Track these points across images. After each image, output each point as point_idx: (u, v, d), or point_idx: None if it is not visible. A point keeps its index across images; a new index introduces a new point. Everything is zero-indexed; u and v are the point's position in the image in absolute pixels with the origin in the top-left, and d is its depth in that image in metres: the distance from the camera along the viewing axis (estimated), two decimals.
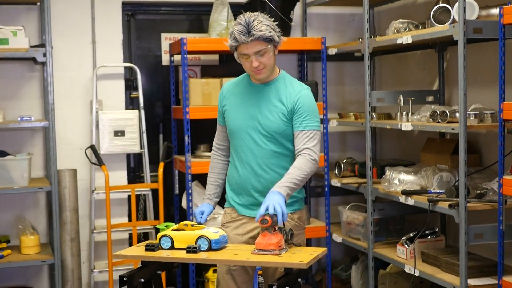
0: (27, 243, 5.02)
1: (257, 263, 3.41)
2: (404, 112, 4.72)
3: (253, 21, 3.40)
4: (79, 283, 5.31)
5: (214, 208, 3.78)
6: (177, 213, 5.61)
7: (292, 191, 3.38)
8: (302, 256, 3.32)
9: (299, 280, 3.39)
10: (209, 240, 3.43)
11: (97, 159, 5.17)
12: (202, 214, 3.68)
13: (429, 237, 4.73)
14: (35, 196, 5.41)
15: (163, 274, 5.15)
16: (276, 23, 3.53)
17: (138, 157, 5.69)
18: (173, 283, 5.71)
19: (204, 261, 3.45)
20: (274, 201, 3.26)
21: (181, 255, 3.43)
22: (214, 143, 3.83)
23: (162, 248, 3.51)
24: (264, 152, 3.58)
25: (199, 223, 3.64)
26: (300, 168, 3.42)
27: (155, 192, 5.42)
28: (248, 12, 3.49)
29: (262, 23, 3.41)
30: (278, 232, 3.31)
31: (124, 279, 3.40)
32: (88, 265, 5.49)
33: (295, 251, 3.46)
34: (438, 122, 4.27)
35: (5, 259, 4.91)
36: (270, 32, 3.41)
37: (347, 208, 5.42)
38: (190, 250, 3.42)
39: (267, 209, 3.25)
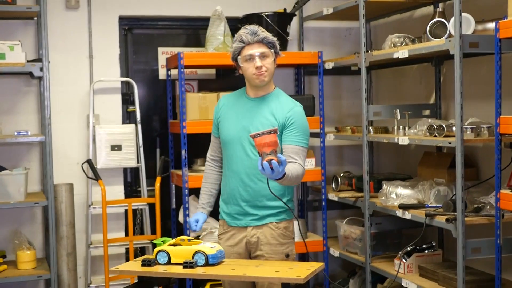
0: (23, 258, 5.00)
1: (254, 279, 3.40)
2: (401, 126, 4.72)
3: (258, 27, 3.67)
4: None
5: (207, 217, 3.90)
6: (174, 227, 5.59)
7: (288, 178, 3.35)
8: (299, 271, 3.31)
9: None
10: (206, 255, 3.43)
11: (94, 173, 5.15)
12: (197, 222, 3.78)
13: (426, 251, 4.73)
14: (32, 211, 5.40)
15: None
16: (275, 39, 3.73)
17: (135, 171, 5.68)
18: None
19: (201, 276, 3.44)
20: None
21: (178, 270, 3.42)
22: (208, 154, 3.96)
23: (159, 263, 3.50)
24: (253, 163, 3.66)
25: (194, 231, 3.74)
26: (297, 170, 3.49)
27: (152, 206, 5.41)
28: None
29: (266, 32, 3.69)
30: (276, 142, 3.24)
31: None
32: (85, 280, 5.47)
33: (293, 266, 3.46)
34: (435, 136, 4.28)
35: (1, 275, 4.88)
36: (273, 38, 3.68)
37: (344, 222, 5.41)
38: (186, 265, 3.42)
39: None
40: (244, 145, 3.70)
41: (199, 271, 3.39)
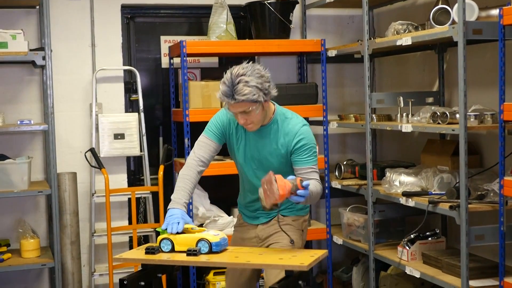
0: (27, 247, 5.01)
1: (257, 266, 3.41)
2: (404, 114, 4.71)
3: (238, 83, 3.38)
4: (80, 286, 5.30)
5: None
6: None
7: (308, 198, 3.39)
8: (303, 258, 3.31)
9: (300, 282, 3.39)
10: (210, 242, 3.43)
11: (97, 162, 5.16)
12: (178, 224, 3.50)
13: (430, 238, 4.72)
14: (35, 200, 5.41)
15: (163, 277, 5.14)
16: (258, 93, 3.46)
17: (138, 160, 5.69)
18: (174, 286, 5.70)
19: (204, 264, 3.44)
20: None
21: (182, 258, 3.42)
22: (198, 154, 3.72)
23: (163, 251, 3.50)
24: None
25: (177, 233, 3.48)
26: (316, 187, 3.51)
27: (155, 195, 5.41)
28: (237, 67, 3.45)
29: (248, 85, 3.39)
30: (289, 194, 3.29)
31: (125, 282, 3.39)
32: (89, 268, 5.48)
33: (296, 253, 3.46)
34: (439, 123, 4.27)
35: (5, 263, 4.89)
36: (254, 95, 3.39)
37: (347, 210, 5.41)
38: (190, 253, 3.42)
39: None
40: (255, 172, 3.71)
41: (203, 259, 3.39)
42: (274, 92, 3.56)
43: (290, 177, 3.35)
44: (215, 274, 5.32)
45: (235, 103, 3.41)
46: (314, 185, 3.49)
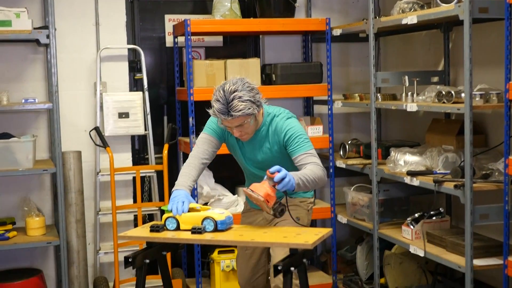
0: (32, 225, 5.03)
1: (262, 244, 3.43)
2: (409, 93, 4.70)
3: (233, 99, 3.49)
4: (85, 264, 5.32)
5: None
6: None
7: (302, 184, 3.45)
8: (307, 237, 3.32)
9: (304, 260, 3.40)
10: (215, 221, 3.44)
11: (102, 141, 5.15)
12: (183, 203, 3.54)
13: (434, 217, 4.73)
14: (40, 178, 5.42)
15: (168, 255, 5.16)
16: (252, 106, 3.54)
17: (143, 139, 5.69)
18: (178, 264, 5.72)
19: (208, 242, 3.46)
20: (290, 175, 3.38)
21: (186, 236, 3.44)
22: (200, 148, 3.78)
23: (168, 229, 3.52)
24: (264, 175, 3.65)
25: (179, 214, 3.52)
26: (312, 170, 3.53)
27: (160, 173, 5.42)
28: (228, 83, 3.54)
29: (242, 100, 3.50)
30: (274, 190, 3.39)
31: (129, 260, 3.41)
32: (94, 246, 5.51)
33: (301, 231, 3.47)
34: (444, 102, 4.25)
35: (10, 241, 4.91)
36: (249, 109, 3.51)
37: (352, 189, 5.41)
38: (195, 231, 3.43)
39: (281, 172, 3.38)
40: (255, 171, 3.82)
41: (207, 237, 3.41)
42: (263, 101, 3.68)
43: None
44: (219, 252, 5.34)
45: (231, 119, 3.52)
46: (310, 168, 3.53)
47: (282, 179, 3.35)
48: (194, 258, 5.23)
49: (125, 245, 5.22)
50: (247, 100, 3.50)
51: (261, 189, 3.38)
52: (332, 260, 5.57)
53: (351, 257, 5.60)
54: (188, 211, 3.51)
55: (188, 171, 3.71)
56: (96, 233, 5.44)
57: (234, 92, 3.50)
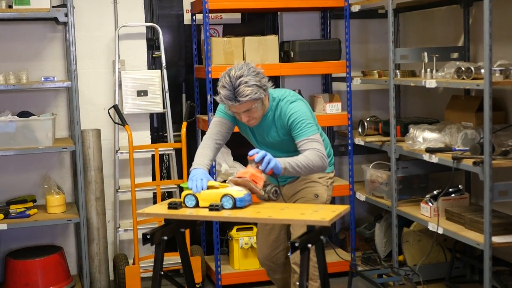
0: (52, 203, 5.07)
1: (279, 221, 3.43)
2: (428, 69, 4.65)
3: (239, 85, 3.50)
4: (105, 241, 5.36)
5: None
6: None
7: (291, 169, 3.48)
8: (325, 214, 3.32)
9: (322, 237, 3.40)
10: (234, 198, 3.45)
11: (120, 119, 5.17)
12: (202, 180, 3.55)
13: (453, 195, 4.70)
14: (60, 156, 5.46)
15: (187, 232, 5.20)
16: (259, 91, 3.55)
17: (162, 117, 5.70)
18: (197, 241, 5.76)
19: (226, 219, 3.47)
20: (270, 155, 3.43)
21: (204, 213, 3.45)
22: (214, 130, 3.82)
23: (186, 207, 3.53)
24: (278, 154, 3.67)
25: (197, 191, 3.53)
26: (307, 156, 3.55)
27: (178, 151, 5.44)
28: (233, 69, 3.55)
29: (248, 85, 3.51)
30: (261, 173, 3.46)
31: (147, 236, 3.44)
32: (114, 223, 5.55)
33: (318, 208, 3.47)
34: (463, 78, 4.21)
35: (31, 218, 4.96)
36: (256, 94, 3.53)
37: (370, 167, 5.40)
38: (212, 208, 3.45)
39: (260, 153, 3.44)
40: (269, 148, 3.82)
41: (225, 214, 3.42)
42: (269, 85, 3.67)
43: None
44: (238, 230, 5.36)
45: (238, 104, 3.54)
46: (304, 155, 3.55)
47: (262, 158, 3.39)
48: (213, 236, 5.25)
49: (144, 223, 5.25)
50: (254, 84, 3.51)
51: (245, 173, 3.45)
52: (351, 238, 5.57)
53: (370, 235, 5.60)
54: (207, 189, 3.53)
55: (203, 151, 3.74)
56: (116, 211, 5.48)
57: (240, 77, 3.51)
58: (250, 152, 3.45)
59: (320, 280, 3.53)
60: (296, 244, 3.17)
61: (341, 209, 3.43)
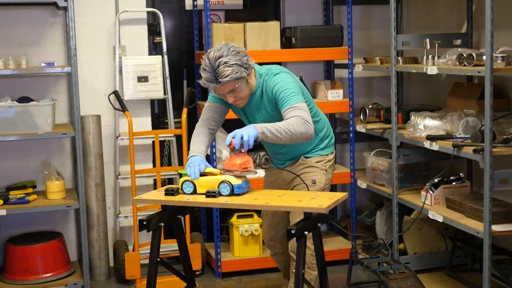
0: (52, 188, 5.06)
1: (276, 208, 3.41)
2: (430, 56, 4.61)
3: (218, 66, 3.47)
4: (105, 227, 5.35)
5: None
6: None
7: (270, 134, 3.42)
8: (322, 201, 3.30)
9: (319, 224, 3.38)
10: (232, 185, 3.43)
11: (121, 105, 5.15)
12: (199, 165, 3.54)
13: (454, 183, 4.66)
14: (61, 142, 5.44)
15: (187, 219, 5.18)
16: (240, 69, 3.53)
17: (162, 103, 5.67)
18: (198, 228, 5.74)
19: (223, 205, 3.45)
20: (245, 129, 3.38)
21: (200, 200, 3.44)
22: (206, 116, 3.81)
23: (184, 193, 3.51)
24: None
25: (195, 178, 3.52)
26: (288, 122, 3.49)
27: (179, 138, 5.41)
28: (212, 50, 3.52)
29: (228, 65, 3.48)
30: (246, 155, 3.45)
31: (144, 223, 3.42)
32: (114, 210, 5.54)
33: (315, 195, 3.45)
34: (465, 65, 4.17)
35: (31, 204, 4.95)
36: (237, 73, 3.50)
37: (372, 154, 5.36)
38: (209, 194, 3.43)
39: (236, 136, 3.40)
40: None
41: (222, 201, 3.40)
42: (252, 63, 3.63)
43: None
44: (238, 217, 5.34)
45: (220, 86, 3.51)
46: (286, 121, 3.49)
47: (241, 140, 3.35)
48: (213, 223, 5.23)
49: (145, 209, 5.23)
50: (234, 64, 3.49)
51: (232, 166, 3.44)
52: (352, 226, 5.54)
53: (371, 223, 5.57)
54: (206, 175, 3.50)
55: (198, 138, 3.73)
56: (116, 197, 5.47)
57: (219, 58, 3.48)
58: (227, 142, 3.40)
59: (318, 268, 3.50)
60: (292, 231, 3.14)
61: (338, 196, 3.40)
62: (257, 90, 3.72)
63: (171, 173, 5.47)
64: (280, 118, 3.62)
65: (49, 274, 5.05)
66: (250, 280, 5.23)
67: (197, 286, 3.96)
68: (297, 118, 3.47)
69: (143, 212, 5.24)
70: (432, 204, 4.59)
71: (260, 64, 3.88)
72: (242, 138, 3.36)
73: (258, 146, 3.63)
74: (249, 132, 3.36)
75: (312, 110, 3.72)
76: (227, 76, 3.47)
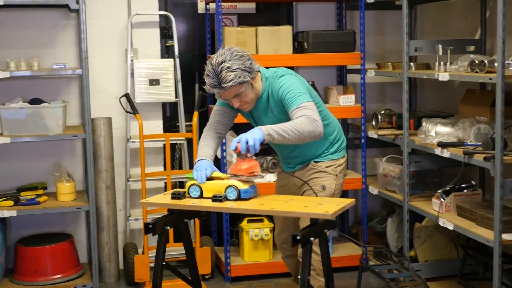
0: (62, 190, 5.07)
1: (281, 213, 3.37)
2: (442, 62, 4.56)
3: (221, 71, 3.44)
4: (115, 230, 5.35)
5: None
6: None
7: (276, 135, 3.38)
8: (329, 207, 3.27)
9: (326, 231, 3.35)
10: (238, 189, 3.40)
11: (132, 107, 5.15)
12: (206, 169, 3.51)
13: (465, 190, 4.61)
14: (72, 144, 5.45)
15: (197, 223, 5.17)
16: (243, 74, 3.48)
17: (174, 106, 5.67)
18: (208, 232, 5.73)
19: (228, 210, 3.44)
20: (250, 133, 3.34)
21: (206, 204, 3.41)
22: (213, 120, 3.78)
23: (191, 197, 3.49)
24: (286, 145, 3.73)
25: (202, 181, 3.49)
26: (296, 122, 3.44)
27: (190, 141, 5.40)
28: (215, 56, 3.50)
29: (230, 70, 3.45)
30: (252, 159, 3.41)
31: (149, 226, 3.40)
32: (124, 212, 5.54)
33: (322, 201, 3.42)
34: (476, 72, 4.13)
35: (41, 205, 4.96)
36: (240, 77, 3.46)
37: (383, 160, 5.32)
38: (215, 199, 3.41)
39: (241, 141, 3.35)
40: None
41: (228, 205, 3.38)
42: (257, 67, 3.59)
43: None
44: (248, 221, 5.32)
45: (224, 91, 3.48)
46: (292, 120, 3.45)
47: (246, 145, 3.31)
48: (223, 227, 5.22)
49: (155, 212, 5.21)
50: (237, 68, 3.45)
51: (239, 170, 3.41)
52: (362, 232, 5.50)
53: (382, 229, 5.52)
54: (213, 179, 3.49)
55: (205, 142, 3.69)
56: (126, 200, 5.47)
57: (222, 63, 3.45)
58: (232, 147, 3.36)
59: (324, 275, 3.47)
60: (298, 238, 3.11)
61: (345, 202, 3.37)
62: (263, 93, 3.69)
63: (181, 177, 5.46)
64: (287, 121, 3.59)
65: (58, 276, 5.07)
66: (259, 285, 5.21)
67: None
68: (304, 117, 3.43)
69: (153, 215, 5.23)
70: (443, 211, 4.54)
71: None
72: (247, 142, 3.33)
73: (266, 150, 3.61)
74: (254, 136, 3.33)
75: (321, 113, 3.67)
76: (230, 81, 3.44)
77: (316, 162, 3.87)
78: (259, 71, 3.66)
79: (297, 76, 3.70)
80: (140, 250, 5.36)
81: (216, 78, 3.46)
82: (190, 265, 3.76)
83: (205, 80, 3.51)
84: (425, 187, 5.07)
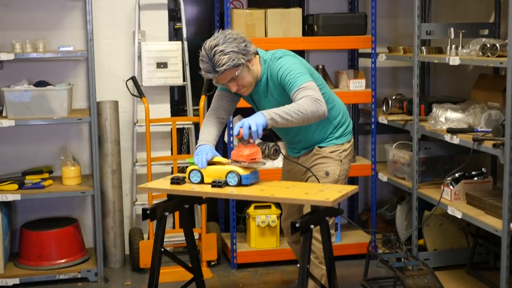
0: (68, 174, 5.02)
1: (281, 200, 3.30)
2: (454, 46, 4.44)
3: (214, 55, 3.36)
4: (121, 215, 5.30)
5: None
6: (219, 147, 5.52)
7: (280, 118, 3.30)
8: (330, 194, 3.19)
9: (327, 218, 3.27)
10: (239, 175, 3.33)
11: (138, 91, 5.08)
12: (207, 154, 3.46)
13: (475, 178, 4.50)
14: (78, 128, 5.40)
15: (203, 209, 5.10)
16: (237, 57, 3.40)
17: (182, 90, 5.59)
18: (215, 217, 5.67)
19: (228, 196, 3.37)
20: (252, 118, 3.28)
21: (206, 189, 3.35)
22: (215, 105, 3.72)
23: (191, 182, 3.43)
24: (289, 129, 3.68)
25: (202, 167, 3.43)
26: (298, 103, 3.35)
27: (197, 125, 5.32)
28: (209, 40, 3.42)
29: (224, 53, 3.36)
30: (254, 145, 3.35)
31: (148, 212, 3.35)
32: (130, 197, 5.49)
33: (324, 188, 3.34)
34: (488, 56, 4.00)
35: (46, 189, 4.92)
36: (234, 60, 3.38)
37: (393, 147, 5.21)
38: (215, 184, 3.34)
39: (243, 126, 3.29)
40: None
41: (227, 191, 3.31)
42: (252, 48, 3.51)
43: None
44: (255, 207, 5.24)
45: (219, 75, 3.40)
46: (295, 102, 3.36)
47: (249, 130, 3.24)
48: (230, 213, 5.15)
49: (161, 197, 5.15)
50: (230, 51, 3.37)
51: (240, 156, 3.33)
52: (371, 219, 5.41)
53: (391, 217, 5.42)
54: (214, 164, 3.41)
55: (207, 128, 3.64)
56: (133, 184, 5.41)
57: (214, 47, 3.38)
58: (235, 132, 3.30)
59: (326, 263, 3.39)
60: (297, 225, 3.03)
61: (348, 189, 3.29)
62: (262, 76, 3.60)
63: (187, 161, 5.38)
64: (288, 104, 3.50)
65: (63, 260, 5.03)
66: (265, 272, 5.14)
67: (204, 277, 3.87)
68: (306, 98, 3.34)
69: (159, 200, 5.16)
70: (452, 199, 4.43)
71: None
72: (250, 128, 3.25)
73: (269, 136, 3.53)
74: (257, 121, 3.25)
75: (325, 96, 3.56)
76: (224, 64, 3.36)
77: (320, 147, 3.77)
78: (257, 54, 3.57)
79: (296, 56, 3.60)
80: (145, 236, 5.31)
81: (210, 63, 3.39)
82: (190, 252, 3.70)
83: (200, 66, 3.44)
84: (435, 174, 4.96)
